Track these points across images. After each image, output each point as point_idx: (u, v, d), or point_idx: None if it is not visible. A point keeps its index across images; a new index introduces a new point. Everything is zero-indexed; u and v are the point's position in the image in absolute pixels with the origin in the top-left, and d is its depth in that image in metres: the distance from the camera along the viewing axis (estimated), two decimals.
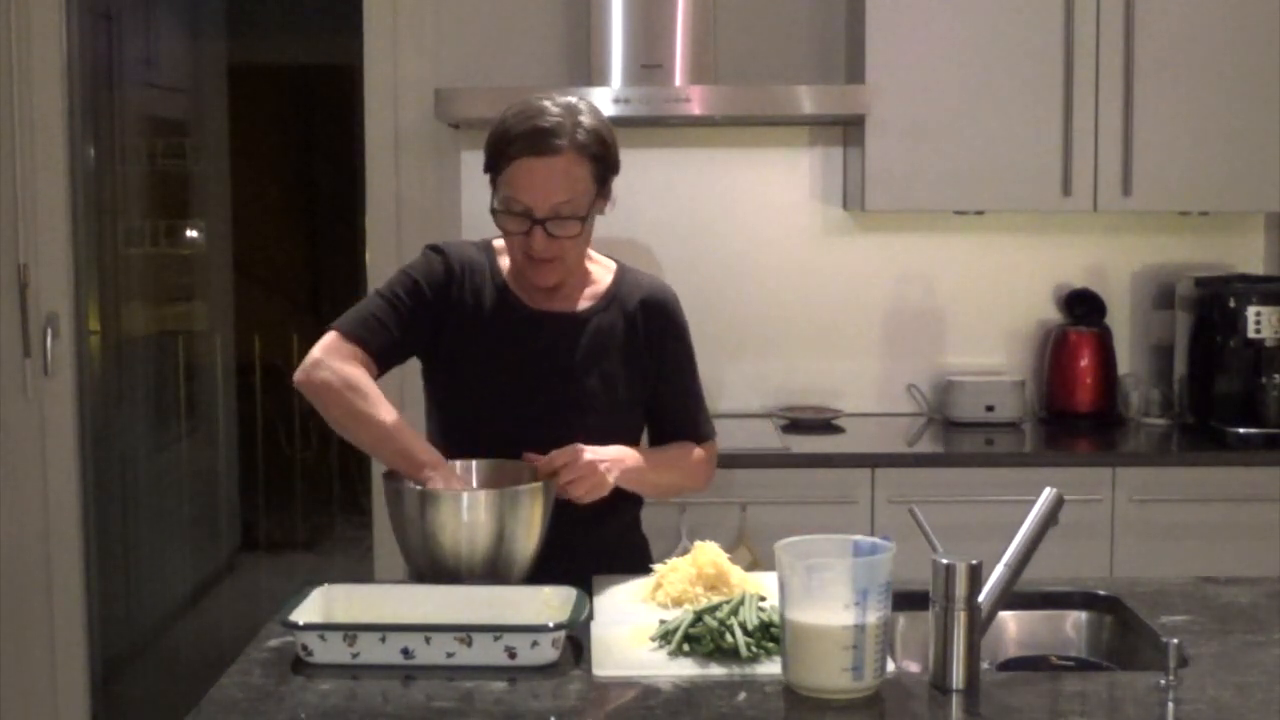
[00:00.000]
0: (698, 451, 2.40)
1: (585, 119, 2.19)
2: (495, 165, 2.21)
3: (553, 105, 2.19)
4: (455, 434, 2.27)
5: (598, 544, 2.26)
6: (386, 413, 2.15)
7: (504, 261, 2.32)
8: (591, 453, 2.17)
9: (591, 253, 2.35)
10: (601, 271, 2.36)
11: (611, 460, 2.20)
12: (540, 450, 2.17)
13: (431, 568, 2.05)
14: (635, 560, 2.33)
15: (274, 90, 6.69)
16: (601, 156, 2.21)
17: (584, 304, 2.32)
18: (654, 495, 2.39)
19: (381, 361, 2.24)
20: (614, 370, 2.30)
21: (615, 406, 2.29)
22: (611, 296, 2.33)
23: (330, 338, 2.22)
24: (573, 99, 2.23)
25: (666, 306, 2.36)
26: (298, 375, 2.20)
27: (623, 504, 2.32)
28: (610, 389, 2.29)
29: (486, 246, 2.36)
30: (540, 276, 2.24)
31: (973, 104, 3.54)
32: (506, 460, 2.18)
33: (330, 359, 2.19)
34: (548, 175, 2.16)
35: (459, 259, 2.31)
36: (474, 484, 2.18)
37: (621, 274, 2.37)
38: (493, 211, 2.22)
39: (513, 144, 2.17)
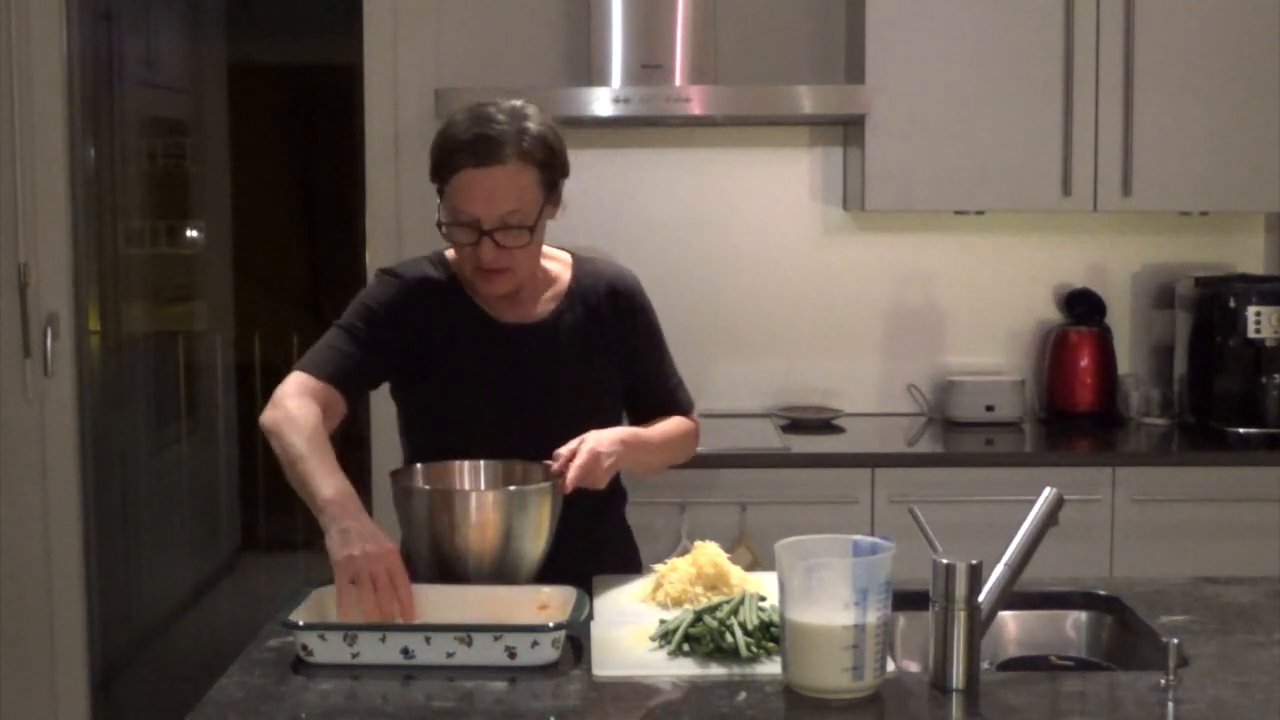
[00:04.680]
0: (686, 423, 2.42)
1: (531, 125, 2.16)
2: (441, 175, 2.17)
3: (498, 113, 2.15)
4: (432, 448, 2.25)
5: (589, 544, 2.25)
6: (307, 449, 2.07)
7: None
8: (595, 440, 2.15)
9: (545, 248, 2.31)
10: (558, 268, 2.33)
11: (614, 442, 2.18)
12: (526, 455, 2.16)
13: (439, 567, 2.05)
14: (626, 559, 2.35)
15: (274, 90, 6.68)
16: (548, 163, 2.17)
17: (547, 306, 2.29)
18: (653, 472, 2.39)
19: (347, 388, 2.20)
20: (588, 368, 2.29)
21: (593, 402, 2.29)
22: (573, 292, 2.31)
23: (291, 378, 2.19)
24: (519, 103, 2.19)
25: (629, 291, 2.35)
26: (261, 419, 2.15)
27: (612, 502, 2.32)
28: (586, 387, 2.29)
29: (440, 260, 2.31)
30: (490, 287, 2.21)
31: (973, 104, 3.54)
32: (514, 461, 2.17)
33: (286, 400, 2.14)
34: (493, 186, 2.13)
35: (412, 278, 2.27)
36: (482, 484, 2.17)
37: (578, 266, 2.35)
38: (439, 225, 2.19)
39: (457, 154, 2.13)
